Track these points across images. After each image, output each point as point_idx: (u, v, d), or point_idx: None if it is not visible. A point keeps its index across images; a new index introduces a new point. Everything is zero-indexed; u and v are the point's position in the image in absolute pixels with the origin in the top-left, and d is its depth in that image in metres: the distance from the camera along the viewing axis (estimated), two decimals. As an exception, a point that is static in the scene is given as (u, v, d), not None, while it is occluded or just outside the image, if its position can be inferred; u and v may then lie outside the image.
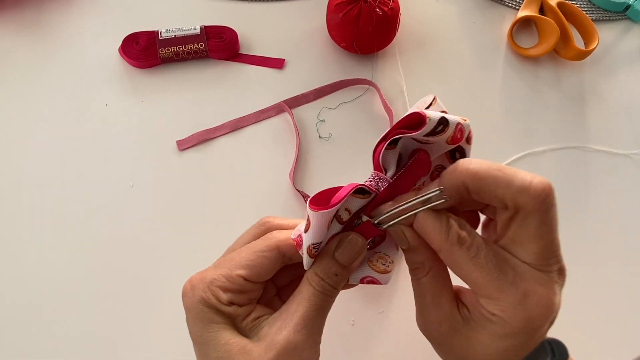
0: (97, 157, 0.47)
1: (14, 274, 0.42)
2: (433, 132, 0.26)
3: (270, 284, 0.31)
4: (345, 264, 0.27)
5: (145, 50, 0.50)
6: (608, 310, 0.45)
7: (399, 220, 0.27)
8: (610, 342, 0.43)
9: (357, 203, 0.27)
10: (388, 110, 0.50)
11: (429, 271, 0.28)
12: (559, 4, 0.56)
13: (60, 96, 0.49)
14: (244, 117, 0.49)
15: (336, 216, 0.27)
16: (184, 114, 0.49)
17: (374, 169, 0.28)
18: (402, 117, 0.26)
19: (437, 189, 0.26)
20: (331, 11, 0.49)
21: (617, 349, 0.44)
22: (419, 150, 0.28)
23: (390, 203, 0.27)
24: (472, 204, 0.28)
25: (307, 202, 0.25)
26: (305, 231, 0.26)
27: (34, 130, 0.47)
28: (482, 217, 0.31)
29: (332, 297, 0.28)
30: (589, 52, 0.54)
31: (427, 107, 0.28)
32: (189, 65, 0.51)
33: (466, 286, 0.28)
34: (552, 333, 0.28)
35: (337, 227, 0.27)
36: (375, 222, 0.27)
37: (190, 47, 0.50)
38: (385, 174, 0.28)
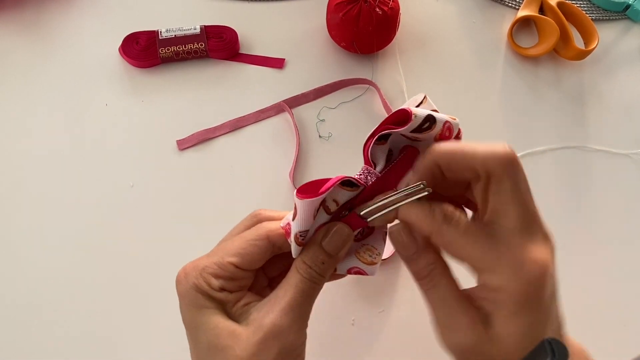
0: (97, 157, 0.47)
1: (14, 273, 0.42)
2: (419, 129, 0.27)
3: (262, 274, 0.32)
4: (331, 253, 0.29)
5: (145, 50, 0.50)
6: (608, 310, 0.45)
7: (383, 213, 0.28)
8: (610, 342, 0.43)
9: (345, 195, 0.28)
10: (388, 110, 0.50)
11: (444, 269, 0.28)
12: (559, 4, 0.56)
13: (60, 96, 0.49)
14: (243, 116, 0.49)
15: (324, 207, 0.28)
16: (184, 114, 0.49)
17: (364, 164, 0.29)
18: (391, 113, 0.28)
19: (419, 182, 0.27)
20: (331, 11, 0.49)
21: (617, 349, 0.44)
22: (408, 147, 0.29)
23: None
24: (448, 187, 0.28)
25: (295, 191, 0.26)
26: (293, 219, 0.27)
27: (33, 130, 0.47)
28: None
29: (319, 285, 0.29)
30: (589, 52, 0.54)
31: (418, 106, 0.29)
32: (189, 65, 0.51)
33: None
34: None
35: (324, 217, 0.29)
36: (360, 213, 0.28)
37: (190, 47, 0.50)
38: (375, 169, 0.29)
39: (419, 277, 0.28)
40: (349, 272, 0.31)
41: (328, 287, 0.31)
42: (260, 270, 0.31)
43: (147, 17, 0.53)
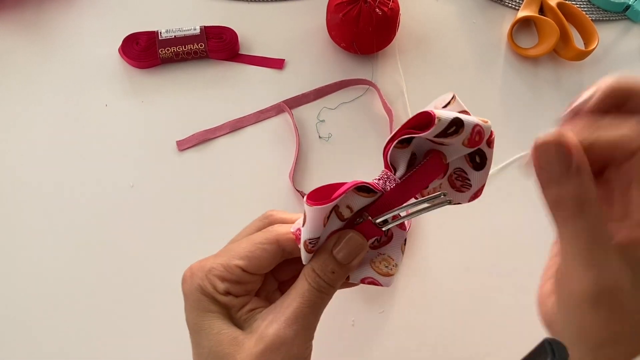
0: (97, 157, 0.47)
1: (14, 273, 0.42)
2: (444, 134, 0.24)
3: (272, 277, 0.31)
4: (343, 262, 0.27)
5: (145, 51, 0.50)
6: None
7: (399, 221, 0.26)
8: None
9: (360, 201, 0.26)
10: (388, 111, 0.50)
11: (597, 198, 0.22)
12: (559, 4, 0.56)
13: (60, 96, 0.49)
14: (243, 117, 0.49)
15: (336, 213, 0.26)
16: (184, 114, 0.49)
17: (384, 167, 0.27)
18: (412, 115, 0.25)
19: (440, 192, 0.26)
20: (331, 11, 0.49)
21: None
22: (432, 151, 0.26)
23: None
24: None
25: (305, 196, 0.25)
26: (303, 226, 0.26)
27: (33, 131, 0.47)
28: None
29: (327, 295, 0.28)
30: (589, 52, 0.54)
31: (445, 106, 0.26)
32: (189, 65, 0.51)
33: None
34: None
35: (337, 223, 0.27)
36: (377, 221, 0.27)
37: (190, 48, 0.50)
38: (395, 174, 0.26)
39: (564, 206, 0.23)
40: (363, 281, 0.29)
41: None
42: (269, 274, 0.30)
43: (147, 17, 0.53)
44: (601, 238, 0.22)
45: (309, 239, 0.26)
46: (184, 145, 0.48)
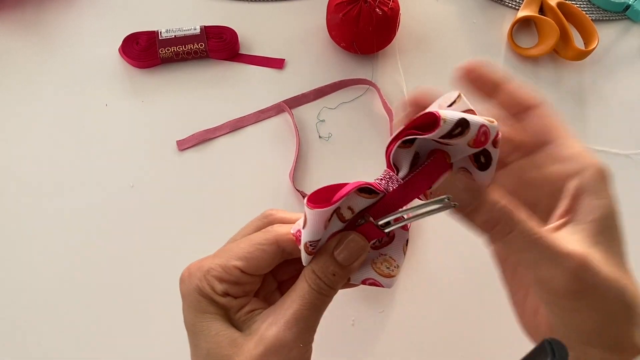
0: (97, 157, 0.47)
1: (14, 274, 0.42)
2: (449, 135, 0.24)
3: (271, 277, 0.30)
4: (344, 264, 0.27)
5: (145, 50, 0.50)
6: None
7: (402, 224, 0.26)
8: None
9: (362, 202, 0.26)
10: (388, 111, 0.50)
11: (517, 205, 0.24)
12: (559, 4, 0.56)
13: (60, 96, 0.49)
14: (243, 117, 0.49)
15: (338, 214, 0.26)
16: (184, 114, 0.49)
17: (386, 167, 0.26)
18: (416, 115, 0.24)
19: (444, 196, 0.25)
20: (331, 11, 0.49)
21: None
22: (436, 151, 0.26)
23: None
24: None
25: (305, 198, 0.24)
26: (303, 227, 0.25)
27: (33, 131, 0.47)
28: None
29: (328, 297, 0.27)
30: (589, 52, 0.54)
31: (450, 105, 0.25)
32: (189, 65, 0.51)
33: None
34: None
35: (338, 225, 0.26)
36: (379, 223, 0.26)
37: (190, 47, 0.50)
38: (398, 174, 0.26)
39: (491, 226, 0.24)
40: (364, 282, 0.28)
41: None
42: (268, 274, 0.29)
43: (147, 17, 0.53)
44: (544, 232, 0.24)
45: (310, 241, 0.26)
46: (184, 145, 0.48)
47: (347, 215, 0.26)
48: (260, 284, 0.29)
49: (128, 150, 0.47)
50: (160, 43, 0.50)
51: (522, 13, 0.56)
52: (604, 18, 0.59)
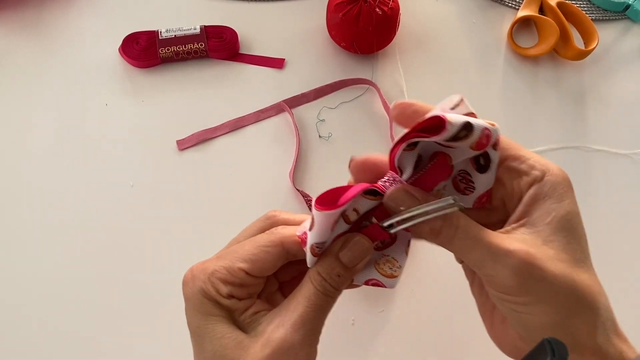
0: (97, 157, 0.47)
1: (14, 274, 0.42)
2: (455, 138, 0.24)
3: (273, 278, 0.30)
4: (349, 266, 0.27)
5: (145, 50, 0.50)
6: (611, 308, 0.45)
7: (407, 226, 0.26)
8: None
9: (367, 204, 0.26)
10: (388, 110, 0.50)
11: (458, 212, 0.27)
12: (559, 4, 0.56)
13: (60, 96, 0.49)
14: (243, 116, 0.49)
15: (343, 216, 0.26)
16: (184, 114, 0.49)
17: (390, 169, 0.27)
18: (422, 118, 0.25)
19: (449, 197, 0.25)
20: (331, 11, 0.49)
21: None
22: (438, 154, 0.27)
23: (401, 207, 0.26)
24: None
25: (314, 200, 0.24)
26: (310, 229, 0.26)
27: (33, 130, 0.47)
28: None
29: (333, 298, 0.27)
30: (589, 52, 0.54)
31: (453, 109, 0.26)
32: (189, 65, 0.51)
33: None
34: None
35: (343, 226, 0.27)
36: (383, 225, 0.26)
37: (190, 47, 0.50)
38: (402, 176, 0.26)
39: (436, 234, 0.26)
40: (366, 283, 0.29)
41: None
42: (270, 275, 0.29)
43: (147, 17, 0.53)
44: (485, 233, 0.25)
45: (317, 243, 0.26)
46: (184, 145, 0.48)
47: (353, 217, 0.26)
48: (263, 285, 0.29)
49: (128, 150, 0.47)
50: (160, 43, 0.50)
51: (522, 13, 0.56)
52: (604, 18, 0.59)
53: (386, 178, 0.26)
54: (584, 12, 0.57)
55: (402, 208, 0.26)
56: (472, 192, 0.28)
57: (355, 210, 0.26)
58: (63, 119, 0.48)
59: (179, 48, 0.50)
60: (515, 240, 0.25)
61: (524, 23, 0.58)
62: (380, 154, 0.28)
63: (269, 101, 0.50)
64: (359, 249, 0.27)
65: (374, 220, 0.27)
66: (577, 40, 0.55)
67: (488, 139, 0.25)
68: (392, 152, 0.26)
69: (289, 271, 0.31)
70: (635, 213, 0.50)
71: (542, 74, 0.55)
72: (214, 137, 0.48)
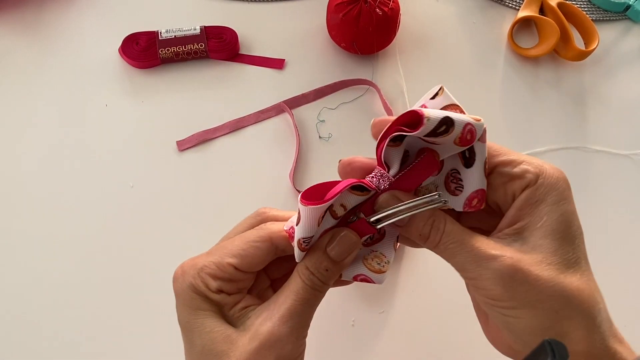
0: (97, 157, 0.47)
1: (13, 274, 0.42)
2: (434, 133, 0.24)
3: (264, 275, 0.31)
4: (336, 260, 0.27)
5: (145, 51, 0.50)
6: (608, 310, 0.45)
7: (394, 221, 0.26)
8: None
9: (354, 200, 0.26)
10: (388, 111, 0.50)
11: (443, 216, 0.27)
12: (559, 4, 0.56)
13: (60, 96, 0.49)
14: (244, 117, 0.49)
15: (330, 211, 0.26)
16: (184, 115, 0.49)
17: (377, 165, 0.27)
18: (402, 113, 0.25)
19: (435, 193, 0.26)
20: (331, 11, 0.49)
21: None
22: (426, 150, 0.27)
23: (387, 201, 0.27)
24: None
25: (299, 195, 0.24)
26: (297, 224, 0.26)
27: (33, 131, 0.47)
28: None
29: (321, 292, 0.28)
30: (589, 53, 0.54)
31: (433, 98, 0.26)
32: (189, 65, 0.51)
33: None
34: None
35: (330, 221, 0.27)
36: (370, 220, 0.27)
37: (190, 48, 0.50)
38: (389, 172, 0.27)
39: (425, 238, 0.27)
40: (355, 279, 0.29)
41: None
42: (261, 272, 0.30)
43: (147, 17, 0.53)
44: (469, 238, 0.26)
45: (303, 238, 0.26)
46: (184, 145, 0.48)
47: (340, 212, 0.27)
48: (253, 281, 0.29)
49: (128, 150, 0.47)
50: (160, 43, 0.50)
51: (523, 13, 0.56)
52: (605, 18, 0.59)
53: (373, 174, 0.27)
54: (584, 12, 0.57)
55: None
56: (462, 191, 0.28)
57: (342, 205, 0.26)
58: (63, 120, 0.48)
59: (179, 48, 0.50)
60: (501, 245, 0.26)
61: (525, 23, 0.58)
62: (366, 157, 0.28)
63: (269, 102, 0.50)
64: (347, 243, 0.27)
65: (362, 215, 0.27)
66: (578, 41, 0.55)
67: (472, 134, 0.25)
68: (378, 147, 0.26)
69: (280, 268, 0.31)
70: (636, 213, 0.50)
71: (543, 75, 0.55)
72: (214, 137, 0.48)
